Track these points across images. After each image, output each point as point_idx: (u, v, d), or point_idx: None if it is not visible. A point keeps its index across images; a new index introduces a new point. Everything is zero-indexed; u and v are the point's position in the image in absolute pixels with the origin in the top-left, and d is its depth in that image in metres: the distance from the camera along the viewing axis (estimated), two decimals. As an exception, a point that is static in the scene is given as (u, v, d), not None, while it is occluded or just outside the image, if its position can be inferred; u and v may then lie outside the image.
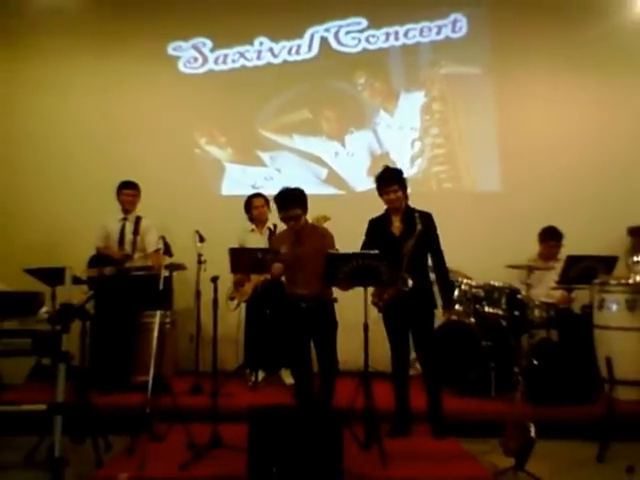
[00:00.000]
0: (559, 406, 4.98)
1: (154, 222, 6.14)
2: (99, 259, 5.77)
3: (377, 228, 4.87)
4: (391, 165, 5.08)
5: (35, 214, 6.79)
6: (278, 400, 5.14)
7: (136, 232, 6.02)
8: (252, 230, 6.13)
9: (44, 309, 4.15)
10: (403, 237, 4.67)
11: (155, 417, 4.43)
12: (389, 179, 4.77)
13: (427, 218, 4.72)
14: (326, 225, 4.96)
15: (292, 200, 4.59)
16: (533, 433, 3.89)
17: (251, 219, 6.14)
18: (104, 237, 6.08)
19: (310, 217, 5.35)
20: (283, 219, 4.63)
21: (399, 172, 4.84)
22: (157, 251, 5.79)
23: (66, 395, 3.60)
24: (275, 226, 6.07)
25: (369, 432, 4.29)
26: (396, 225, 4.78)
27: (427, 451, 4.47)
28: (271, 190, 6.30)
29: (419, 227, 4.58)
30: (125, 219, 6.08)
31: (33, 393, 4.81)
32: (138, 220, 6.08)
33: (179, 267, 5.47)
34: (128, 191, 6.07)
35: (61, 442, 3.43)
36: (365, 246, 4.81)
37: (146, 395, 4.35)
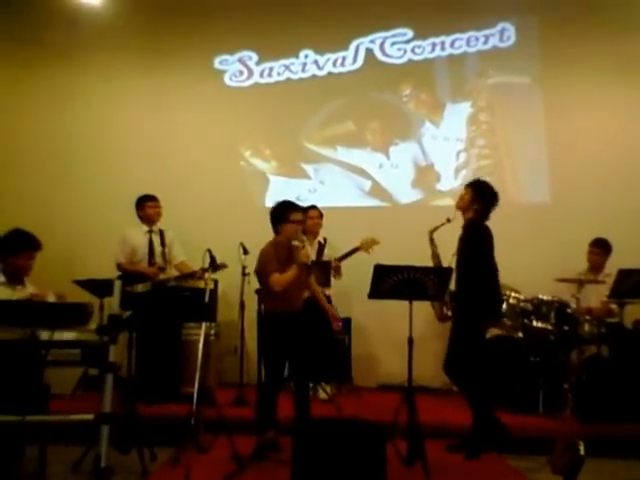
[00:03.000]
0: (610, 424, 4.85)
1: (178, 234, 6.18)
2: (131, 277, 5.61)
3: None
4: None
5: (66, 227, 6.85)
6: (323, 413, 5.09)
7: (163, 244, 6.01)
8: None
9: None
10: None
11: (200, 428, 4.47)
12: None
13: (467, 229, 4.69)
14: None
15: None
16: (582, 451, 3.79)
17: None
18: (128, 252, 5.93)
19: (359, 239, 5.34)
20: (300, 222, 4.66)
21: (478, 181, 4.91)
22: (182, 262, 5.99)
23: (113, 405, 3.64)
24: (325, 240, 6.07)
25: (412, 447, 4.23)
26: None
27: (472, 468, 4.40)
28: (315, 202, 6.35)
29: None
30: (151, 231, 6.03)
31: (80, 403, 4.90)
32: (162, 232, 6.06)
33: (221, 266, 5.41)
34: (153, 203, 6.04)
35: (107, 452, 3.47)
36: None
37: (191, 406, 4.39)
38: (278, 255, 4.54)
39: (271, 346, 4.59)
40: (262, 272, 4.57)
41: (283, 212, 4.61)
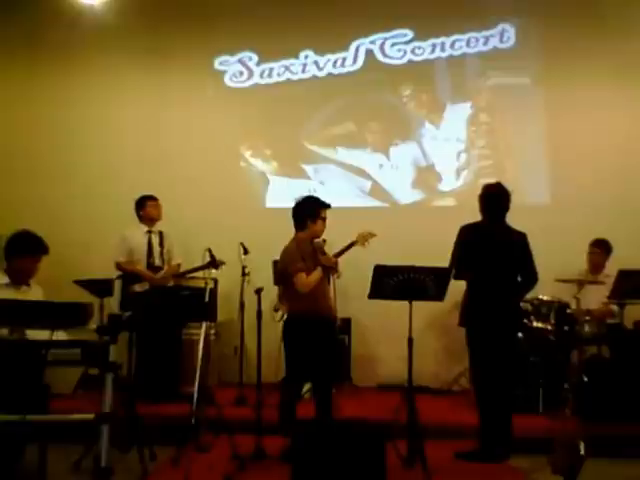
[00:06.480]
0: (610, 424, 4.85)
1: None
2: (130, 277, 5.71)
3: None
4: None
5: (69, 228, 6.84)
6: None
7: (162, 245, 6.01)
8: None
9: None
10: None
11: (200, 428, 4.47)
12: None
13: None
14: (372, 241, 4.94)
15: None
16: (582, 451, 3.80)
17: None
18: (127, 251, 5.94)
19: (356, 233, 5.34)
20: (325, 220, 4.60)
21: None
22: (178, 265, 6.03)
23: (113, 405, 3.64)
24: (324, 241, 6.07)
25: (412, 447, 4.23)
26: None
27: (472, 467, 4.40)
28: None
29: None
30: (150, 232, 6.01)
31: (81, 403, 4.90)
32: (162, 233, 6.05)
33: (220, 263, 5.41)
34: (154, 202, 6.03)
35: (107, 452, 3.48)
36: None
37: (191, 406, 4.39)
38: (303, 253, 4.45)
39: (299, 349, 4.47)
40: (286, 271, 4.45)
41: (314, 208, 4.55)
